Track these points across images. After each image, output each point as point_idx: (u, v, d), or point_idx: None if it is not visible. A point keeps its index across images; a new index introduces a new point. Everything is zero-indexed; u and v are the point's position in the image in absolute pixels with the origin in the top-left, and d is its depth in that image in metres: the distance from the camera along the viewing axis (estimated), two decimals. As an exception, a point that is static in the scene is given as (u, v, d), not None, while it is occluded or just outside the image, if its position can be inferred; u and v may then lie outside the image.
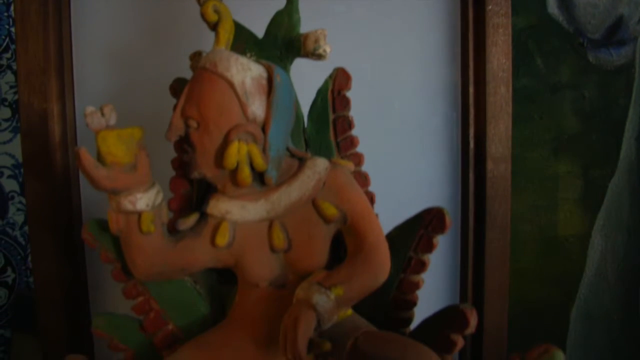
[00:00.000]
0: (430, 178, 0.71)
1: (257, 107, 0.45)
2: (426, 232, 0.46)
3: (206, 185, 0.50)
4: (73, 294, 0.66)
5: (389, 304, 0.49)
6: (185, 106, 0.45)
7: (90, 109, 0.43)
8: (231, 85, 0.44)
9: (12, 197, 0.94)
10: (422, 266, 0.47)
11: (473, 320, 0.43)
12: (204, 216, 0.48)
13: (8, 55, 0.92)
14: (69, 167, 0.66)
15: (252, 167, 0.45)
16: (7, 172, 0.94)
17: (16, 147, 0.91)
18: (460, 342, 0.44)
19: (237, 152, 0.44)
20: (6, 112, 0.92)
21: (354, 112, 0.53)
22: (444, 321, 0.45)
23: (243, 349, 0.46)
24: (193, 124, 0.45)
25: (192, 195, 0.52)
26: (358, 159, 0.52)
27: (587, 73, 0.78)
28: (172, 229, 0.48)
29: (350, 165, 0.49)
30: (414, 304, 0.48)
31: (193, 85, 0.46)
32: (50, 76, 0.64)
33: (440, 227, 0.46)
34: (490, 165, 0.68)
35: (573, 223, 0.81)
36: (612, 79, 0.78)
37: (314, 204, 0.46)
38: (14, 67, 0.89)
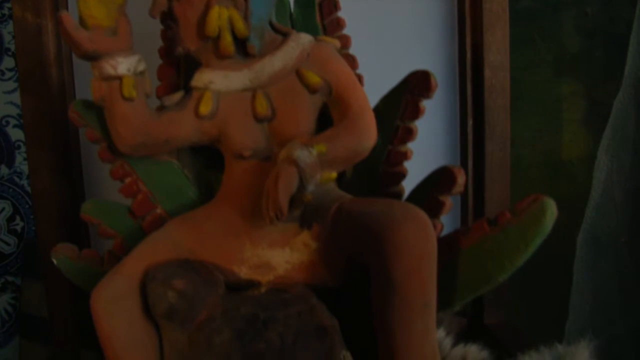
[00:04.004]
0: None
1: (238, -26, 0.45)
2: (412, 97, 0.45)
3: (193, 71, 0.50)
4: (71, 210, 0.67)
5: (378, 179, 0.48)
6: (167, -21, 0.45)
7: (70, -27, 0.43)
8: None
9: (19, 147, 0.96)
10: (409, 134, 0.46)
11: (460, 178, 0.42)
12: (188, 92, 0.48)
13: (9, 4, 0.93)
14: (64, 83, 0.66)
15: (235, 37, 0.45)
16: (12, 122, 0.95)
17: (21, 97, 0.92)
18: (448, 203, 0.43)
19: (217, 17, 0.44)
20: (10, 62, 0.93)
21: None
22: (432, 184, 0.44)
23: (228, 221, 0.46)
24: (175, -5, 0.45)
25: (179, 82, 0.52)
26: (345, 40, 0.51)
27: (589, -13, 0.77)
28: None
29: (335, 42, 0.49)
30: (403, 176, 0.47)
31: (175, -43, 0.45)
32: (44, -9, 0.65)
33: (426, 89, 0.45)
34: (488, 73, 0.67)
35: (578, 144, 0.79)
36: (616, -7, 0.76)
37: (298, 73, 0.46)
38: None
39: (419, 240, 0.38)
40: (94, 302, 0.41)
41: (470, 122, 0.69)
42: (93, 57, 0.44)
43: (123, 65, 0.44)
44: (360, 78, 0.50)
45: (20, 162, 0.95)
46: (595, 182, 0.78)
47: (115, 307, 0.42)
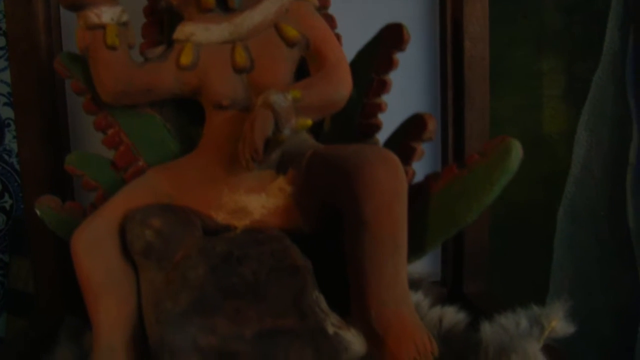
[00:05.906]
0: (408, 64, 0.71)
1: None
2: (385, 50, 0.47)
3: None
4: (58, 177, 0.68)
5: (354, 131, 0.49)
6: None
7: None
8: None
9: (9, 125, 0.96)
10: (384, 86, 0.48)
11: (431, 124, 0.44)
12: (171, 45, 0.49)
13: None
14: (52, 49, 0.67)
15: (216, -9, 0.47)
16: (3, 100, 0.96)
17: (12, 76, 0.93)
18: (419, 149, 0.44)
19: (199, -31, 0.46)
20: (1, 41, 0.94)
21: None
22: (404, 131, 0.45)
23: (207, 169, 0.47)
24: (158, -50, 0.47)
25: (163, 40, 0.53)
26: (324, 1, 0.52)
27: (570, -37, 0.78)
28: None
29: (314, 0, 0.50)
30: (378, 128, 0.49)
31: None
32: (33, -42, 0.66)
33: (399, 42, 0.46)
34: (467, 44, 0.68)
35: (558, 120, 0.80)
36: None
37: (277, 27, 0.47)
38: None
39: (389, 179, 0.39)
40: (74, 244, 0.43)
41: (450, 93, 0.70)
42: (79, 7, 0.45)
43: (107, 14, 0.46)
44: (338, 38, 0.52)
45: (10, 140, 0.96)
46: (575, 157, 0.79)
47: (94, 247, 0.43)
